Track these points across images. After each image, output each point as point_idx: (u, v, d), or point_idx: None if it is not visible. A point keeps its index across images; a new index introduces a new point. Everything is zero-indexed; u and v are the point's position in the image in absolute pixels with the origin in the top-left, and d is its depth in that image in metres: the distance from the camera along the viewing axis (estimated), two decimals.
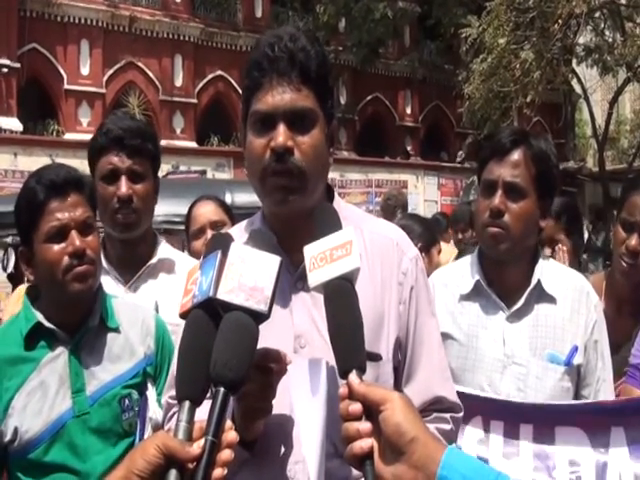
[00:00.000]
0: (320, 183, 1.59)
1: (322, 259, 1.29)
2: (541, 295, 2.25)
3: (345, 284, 1.27)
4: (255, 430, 1.42)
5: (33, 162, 12.57)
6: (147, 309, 2.29)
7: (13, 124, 19.64)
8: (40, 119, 21.04)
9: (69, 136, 20.21)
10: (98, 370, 2.04)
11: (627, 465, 1.99)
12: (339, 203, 1.67)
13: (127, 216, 2.45)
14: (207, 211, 3.34)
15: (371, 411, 1.15)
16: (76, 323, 2.06)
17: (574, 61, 20.19)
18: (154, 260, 2.57)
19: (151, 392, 2.12)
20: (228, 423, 1.15)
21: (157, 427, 2.09)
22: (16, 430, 1.95)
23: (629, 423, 2.00)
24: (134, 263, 2.54)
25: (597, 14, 18.59)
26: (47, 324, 2.02)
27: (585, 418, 2.05)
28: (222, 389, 1.15)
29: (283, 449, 1.48)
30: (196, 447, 1.09)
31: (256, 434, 1.43)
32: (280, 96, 1.48)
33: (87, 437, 1.99)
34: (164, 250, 2.62)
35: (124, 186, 2.43)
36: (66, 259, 1.98)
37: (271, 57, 1.49)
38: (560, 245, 3.50)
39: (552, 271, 2.31)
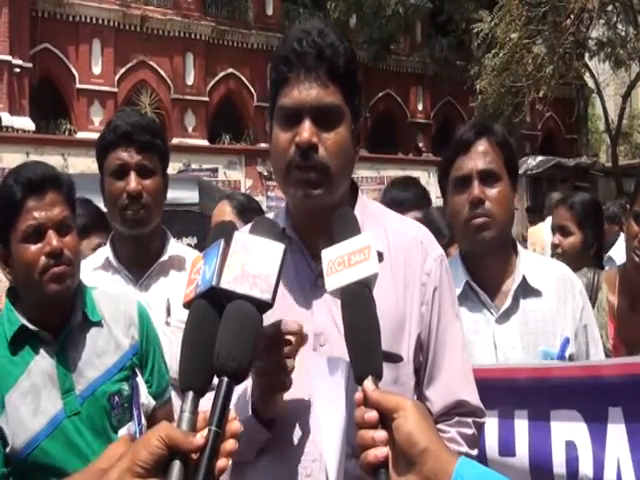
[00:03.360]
0: (344, 180, 1.56)
1: (340, 263, 1.27)
2: (526, 290, 2.20)
3: (362, 289, 1.24)
4: (274, 407, 1.40)
5: (45, 161, 12.63)
6: (128, 298, 2.24)
7: (25, 123, 19.75)
8: (52, 118, 21.17)
9: (81, 135, 20.32)
10: (85, 368, 2.01)
11: (624, 448, 1.96)
12: (363, 200, 1.65)
13: (137, 212, 2.41)
14: (217, 212, 3.31)
15: (385, 419, 1.13)
16: (59, 321, 2.01)
17: (587, 55, 20.11)
18: (164, 257, 2.52)
19: (140, 380, 2.10)
20: (232, 414, 1.13)
21: (147, 413, 2.10)
22: (10, 435, 1.91)
23: (627, 402, 1.96)
24: (144, 261, 2.51)
25: (609, 8, 18.50)
26: (31, 327, 1.97)
27: (581, 398, 2.01)
28: (225, 379, 1.13)
29: (301, 447, 1.47)
30: (199, 437, 1.07)
31: (276, 411, 1.42)
32: (307, 92, 1.46)
33: (81, 436, 1.96)
34: (174, 247, 2.58)
35: (133, 181, 2.39)
36: (43, 259, 1.92)
37: (299, 52, 1.47)
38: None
39: (534, 264, 2.26)
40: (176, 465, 1.06)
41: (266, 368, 1.32)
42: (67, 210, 2.00)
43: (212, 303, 1.21)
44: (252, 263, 1.21)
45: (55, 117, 21.31)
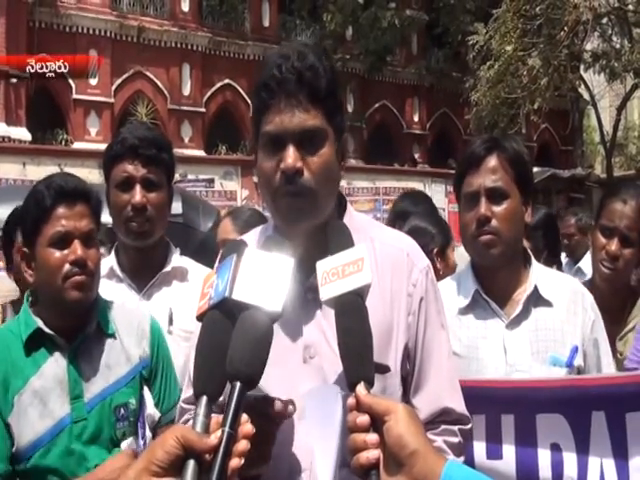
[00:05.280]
0: (331, 199, 1.59)
1: (334, 274, 1.32)
2: (538, 300, 2.24)
3: (356, 299, 1.29)
4: (256, 471, 1.39)
5: (42, 171, 12.56)
6: (142, 313, 2.28)
7: (22, 134, 19.76)
8: (49, 128, 21.18)
9: (78, 145, 20.33)
10: (95, 377, 2.04)
11: (607, 451, 1.98)
12: (351, 213, 1.68)
13: (141, 225, 2.45)
14: (221, 230, 3.35)
15: (377, 422, 1.17)
16: (74, 329, 2.05)
17: (581, 67, 20.24)
18: (168, 268, 2.55)
19: (147, 393, 2.13)
20: (244, 417, 1.17)
21: (153, 424, 2.11)
22: (16, 434, 1.94)
23: (610, 407, 1.98)
24: (147, 271, 2.54)
25: (604, 20, 18.64)
26: (47, 330, 2.02)
27: (565, 403, 2.03)
28: (238, 384, 1.17)
29: (293, 460, 1.48)
30: (213, 438, 1.12)
31: (259, 473, 1.40)
32: (289, 118, 1.49)
33: (84, 443, 1.98)
34: (177, 259, 2.62)
35: (138, 194, 2.43)
36: (67, 266, 1.98)
37: (279, 78, 1.49)
38: None
39: (546, 275, 2.30)
40: (191, 464, 1.11)
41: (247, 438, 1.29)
42: (93, 224, 2.06)
43: (225, 314, 1.27)
44: (263, 276, 1.27)
45: (52, 127, 21.31)
